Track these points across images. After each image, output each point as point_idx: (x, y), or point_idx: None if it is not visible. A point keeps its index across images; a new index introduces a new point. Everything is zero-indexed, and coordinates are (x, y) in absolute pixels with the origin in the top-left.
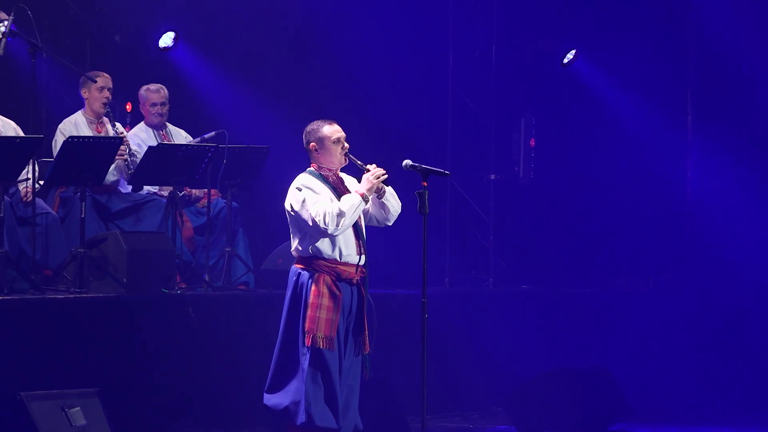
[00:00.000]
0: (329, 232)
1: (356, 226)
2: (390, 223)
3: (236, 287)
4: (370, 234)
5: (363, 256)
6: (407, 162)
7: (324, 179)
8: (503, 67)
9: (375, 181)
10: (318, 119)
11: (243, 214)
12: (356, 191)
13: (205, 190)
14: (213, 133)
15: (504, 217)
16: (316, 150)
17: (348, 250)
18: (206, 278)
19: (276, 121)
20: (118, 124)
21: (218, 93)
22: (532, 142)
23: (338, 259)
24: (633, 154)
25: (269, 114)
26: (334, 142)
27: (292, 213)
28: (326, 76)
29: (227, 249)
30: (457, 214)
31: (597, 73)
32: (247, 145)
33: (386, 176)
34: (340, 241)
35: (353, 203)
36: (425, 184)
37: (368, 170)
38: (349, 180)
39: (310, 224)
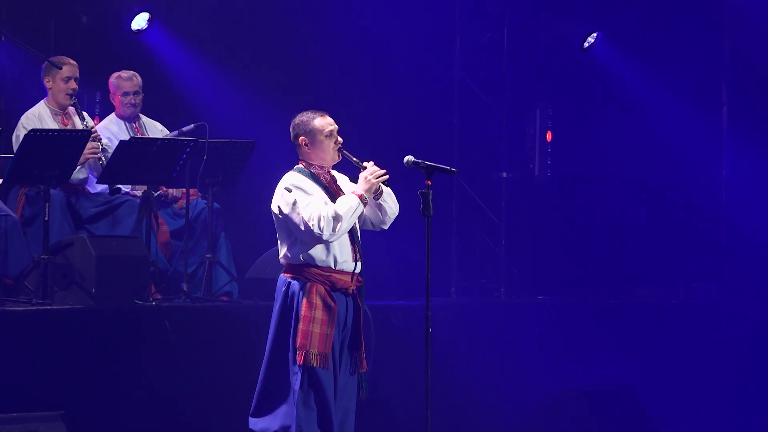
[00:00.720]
0: (324, 238)
1: (351, 230)
2: (386, 227)
3: (218, 298)
4: (366, 238)
5: (359, 263)
6: (409, 158)
7: (315, 178)
8: (516, 53)
9: (374, 180)
10: (308, 110)
11: (226, 217)
12: (353, 192)
13: (184, 189)
14: (192, 125)
15: (517, 219)
16: (305, 145)
17: (343, 257)
18: (184, 288)
19: (263, 112)
20: (86, 116)
21: (198, 81)
22: (549, 136)
23: (332, 267)
24: (661, 150)
25: (255, 105)
26: (326, 136)
27: (281, 216)
28: (319, 63)
29: (208, 255)
30: (465, 217)
31: (621, 59)
32: (231, 140)
33: (387, 176)
34: (335, 246)
35: (351, 206)
36: (429, 182)
37: (365, 168)
38: (342, 179)
39: (302, 229)
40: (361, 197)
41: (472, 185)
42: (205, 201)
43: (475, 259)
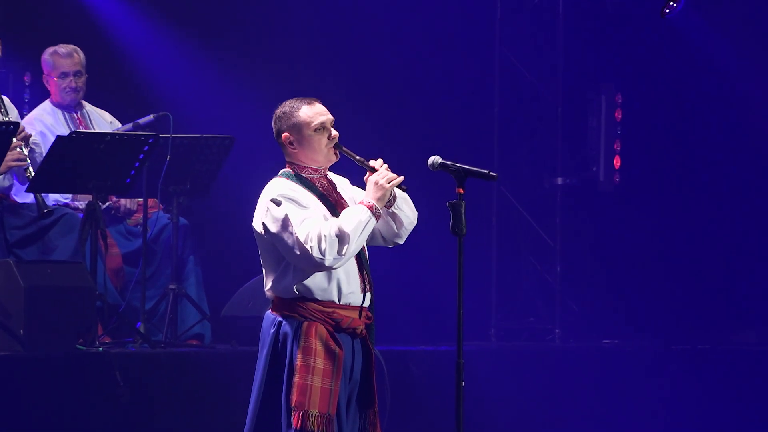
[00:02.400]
0: (327, 264)
1: (359, 252)
2: (401, 241)
3: (185, 342)
4: (378, 262)
5: (369, 294)
6: (435, 159)
7: (308, 185)
8: (573, 22)
9: (388, 186)
10: (294, 97)
11: (195, 236)
12: (362, 202)
13: (140, 200)
14: (151, 116)
15: (577, 239)
16: (291, 143)
17: (350, 287)
18: (141, 329)
19: (246, 100)
20: (7, 103)
21: (161, 60)
22: (617, 131)
23: (336, 301)
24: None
25: (236, 91)
26: (315, 130)
27: (267, 237)
28: (316, 36)
29: (172, 286)
30: (508, 235)
31: (713, 28)
32: (202, 135)
33: (401, 178)
34: (339, 274)
35: (360, 220)
36: (461, 191)
37: (373, 169)
38: (341, 183)
39: (297, 253)
40: (372, 208)
41: (518, 194)
42: (169, 215)
43: (521, 292)
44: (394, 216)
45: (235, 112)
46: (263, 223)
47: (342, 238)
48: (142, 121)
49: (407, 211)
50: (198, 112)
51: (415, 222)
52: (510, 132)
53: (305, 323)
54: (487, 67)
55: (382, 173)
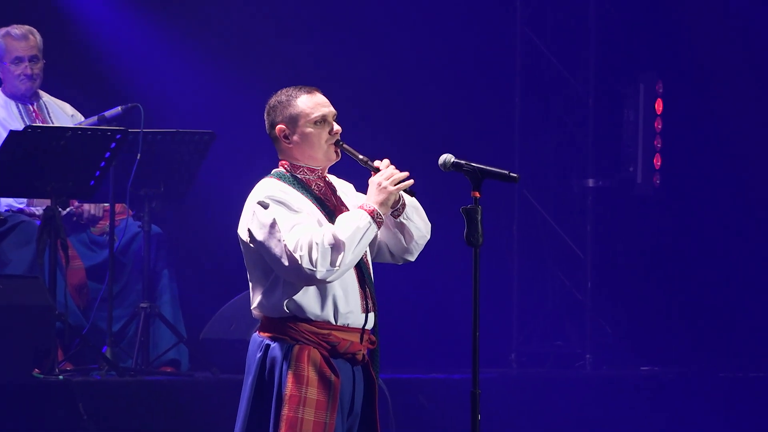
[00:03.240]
0: (319, 277)
1: (360, 265)
2: (412, 258)
3: (159, 369)
4: (382, 277)
5: (371, 315)
6: (447, 158)
7: (303, 186)
8: None
9: (393, 188)
10: (290, 86)
11: (170, 246)
12: (362, 207)
13: (106, 205)
14: (119, 108)
15: (611, 251)
16: (286, 137)
17: (348, 306)
18: (108, 355)
19: (229, 90)
20: None
21: (130, 43)
22: (658, 125)
23: (332, 322)
24: None
25: (218, 80)
26: (315, 123)
27: (253, 246)
28: (310, 19)
29: (143, 305)
30: (532, 246)
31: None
32: (178, 130)
33: (410, 181)
34: (335, 290)
35: (358, 227)
36: (477, 194)
37: (377, 170)
38: (344, 188)
39: (285, 264)
40: (372, 213)
41: (543, 198)
42: (140, 223)
43: (546, 311)
44: (402, 228)
45: (216, 104)
46: (249, 230)
47: (336, 246)
48: (108, 113)
49: (418, 222)
50: (173, 103)
51: (428, 236)
52: (533, 126)
53: (296, 347)
54: (506, 52)
55: (386, 173)
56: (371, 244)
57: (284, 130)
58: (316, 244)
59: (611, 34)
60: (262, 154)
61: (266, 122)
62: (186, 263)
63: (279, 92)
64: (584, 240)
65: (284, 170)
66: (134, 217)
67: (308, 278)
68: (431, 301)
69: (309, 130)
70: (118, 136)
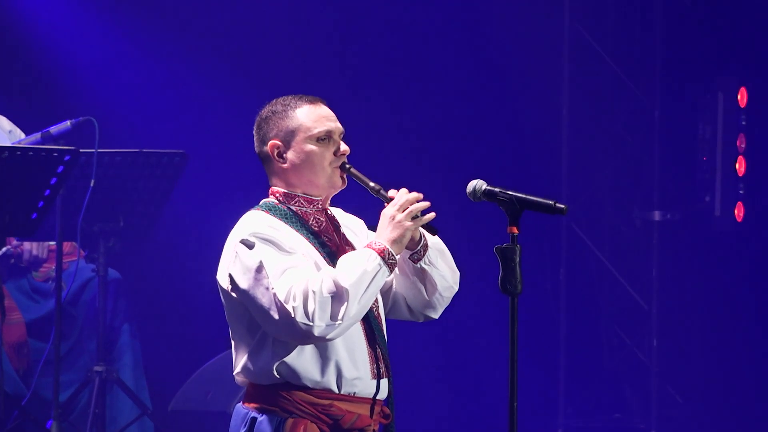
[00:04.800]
0: (316, 334)
1: (369, 320)
2: (436, 314)
3: None
4: (395, 332)
5: (384, 382)
6: (479, 185)
7: (298, 221)
8: None
9: (408, 223)
10: (286, 95)
11: (131, 295)
12: (370, 245)
13: (52, 243)
14: (68, 123)
15: (680, 300)
16: (280, 155)
17: (355, 370)
18: (53, 429)
19: (205, 103)
20: None
21: (81, 43)
22: (741, 143)
23: (335, 390)
24: None
25: (191, 90)
26: (318, 140)
27: (234, 295)
28: (306, 16)
29: (98, 368)
30: (583, 294)
31: None
32: (142, 150)
33: (431, 214)
34: (339, 351)
35: (365, 270)
36: (515, 230)
37: (390, 200)
38: (350, 223)
39: (275, 318)
40: (383, 253)
41: (596, 235)
42: (94, 266)
43: (601, 375)
44: (423, 275)
45: (189, 119)
46: (230, 275)
47: (338, 295)
48: (54, 129)
49: (443, 269)
50: (136, 117)
51: (456, 287)
52: (585, 145)
53: (290, 421)
54: (551, 52)
55: (400, 203)
56: (383, 294)
57: (278, 147)
58: (313, 292)
59: (681, 30)
60: (246, 181)
61: (255, 138)
62: (151, 316)
63: (274, 101)
64: (649, 286)
65: (275, 200)
66: (87, 258)
67: (303, 335)
68: (459, 363)
69: (309, 147)
70: (66, 158)
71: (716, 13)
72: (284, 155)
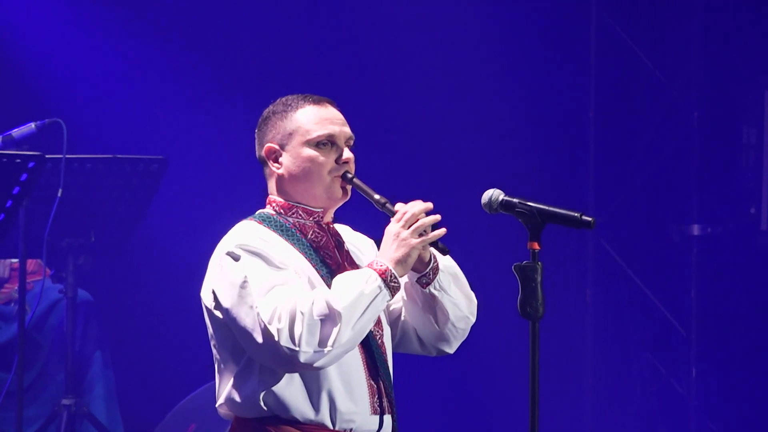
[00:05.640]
0: (302, 360)
1: (371, 348)
2: (451, 348)
3: None
4: (400, 360)
5: (387, 418)
6: (495, 195)
7: (293, 234)
8: None
9: (415, 241)
10: (289, 95)
11: (104, 319)
12: (371, 264)
13: (14, 261)
14: (32, 125)
15: (722, 323)
16: (276, 159)
17: (352, 404)
18: None
19: (188, 103)
20: None
21: (49, 37)
22: None
23: (329, 426)
24: None
25: (170, 88)
26: (318, 145)
27: (218, 314)
28: (299, 12)
29: (66, 402)
30: (612, 317)
31: None
32: (116, 156)
33: (442, 231)
34: (333, 382)
35: (362, 291)
36: (536, 246)
37: (395, 214)
38: (357, 241)
39: (258, 341)
40: (384, 275)
41: (628, 252)
42: (61, 286)
43: (632, 409)
44: (433, 302)
45: (169, 121)
46: (213, 292)
47: (329, 318)
48: (17, 133)
49: (456, 295)
50: (108, 119)
51: (472, 317)
52: (614, 151)
53: None
54: (577, 46)
55: (406, 218)
56: (392, 324)
57: (275, 151)
58: (302, 313)
59: (724, 20)
60: (235, 190)
61: (256, 140)
62: (126, 343)
63: (278, 100)
64: (687, 309)
65: (272, 211)
66: (53, 278)
67: (288, 362)
68: (472, 396)
69: (307, 152)
70: (30, 165)
71: (764, 1)
72: (280, 160)
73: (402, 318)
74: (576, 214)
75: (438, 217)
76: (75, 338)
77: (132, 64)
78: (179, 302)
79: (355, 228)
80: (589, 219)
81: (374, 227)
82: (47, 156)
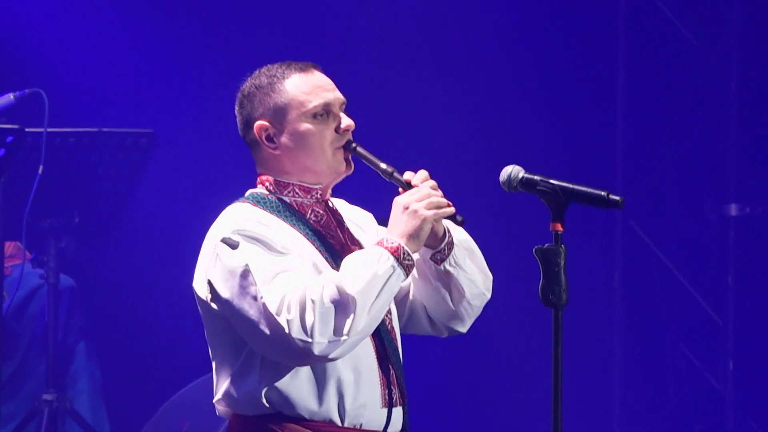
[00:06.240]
0: (317, 352)
1: (380, 335)
2: (464, 327)
3: None
4: (412, 347)
5: (398, 410)
6: (514, 171)
7: (294, 214)
8: None
9: (427, 212)
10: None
11: (89, 307)
12: (381, 242)
13: None
14: (10, 96)
15: (762, 314)
16: (270, 138)
17: (361, 397)
18: None
19: (178, 72)
20: None
21: (28, 6)
22: None
23: (337, 422)
24: None
25: (159, 56)
26: (315, 117)
27: (214, 306)
28: None
29: (47, 397)
30: (642, 304)
31: None
32: (101, 129)
33: (451, 208)
34: (341, 372)
35: (375, 273)
36: (559, 228)
37: (407, 185)
38: (356, 217)
39: (265, 333)
40: (397, 252)
41: (659, 234)
42: (42, 271)
43: (664, 404)
44: (448, 279)
45: (158, 91)
46: (209, 282)
47: (343, 304)
48: None
49: (472, 271)
50: (93, 90)
51: (488, 293)
52: (644, 125)
53: None
54: (605, 9)
55: (420, 191)
56: (398, 303)
57: (266, 129)
58: (312, 301)
59: None
60: (231, 166)
61: (238, 119)
62: (113, 333)
63: (257, 73)
64: (723, 297)
65: (265, 191)
66: (33, 262)
67: (301, 354)
68: (490, 390)
69: (305, 127)
70: (8, 139)
71: None
72: (275, 139)
73: (410, 297)
74: (602, 193)
75: (452, 209)
76: (57, 328)
77: (118, 28)
78: (171, 288)
79: (351, 201)
80: (617, 198)
81: (372, 201)
82: (27, 129)
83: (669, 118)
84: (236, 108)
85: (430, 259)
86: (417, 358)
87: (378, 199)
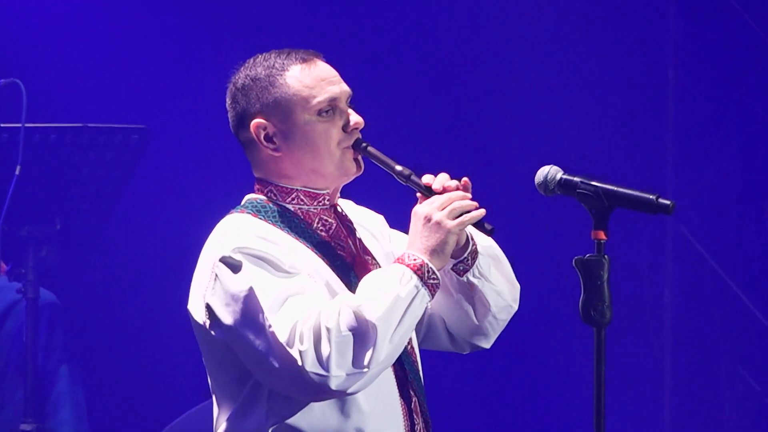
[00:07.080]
0: (334, 387)
1: (401, 358)
2: (488, 343)
3: None
4: (432, 366)
5: None
6: (551, 173)
7: (298, 225)
8: None
9: (452, 223)
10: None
11: (71, 325)
12: (401, 259)
13: None
14: None
15: None
16: (269, 138)
17: (381, 427)
18: None
19: (173, 63)
20: None
21: None
22: None
23: None
24: None
25: (155, 45)
26: (320, 113)
27: (213, 333)
28: None
29: (25, 426)
30: (695, 321)
31: None
32: (86, 125)
33: (482, 211)
34: (358, 401)
35: (398, 295)
36: (603, 236)
37: (428, 190)
38: (365, 221)
39: (275, 366)
40: (421, 271)
41: (714, 243)
42: (20, 285)
43: (719, 426)
44: (472, 291)
45: (151, 84)
46: (208, 306)
47: (363, 333)
48: None
49: (498, 282)
50: (78, 81)
51: (515, 305)
52: (698, 122)
53: None
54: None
55: (440, 200)
56: (420, 323)
57: (265, 128)
58: (328, 329)
59: None
60: (231, 166)
61: (231, 114)
62: (99, 354)
63: (251, 62)
64: None
65: (264, 198)
66: (10, 274)
67: (316, 389)
68: (526, 418)
69: (309, 125)
70: None
71: None
72: (275, 139)
73: (429, 310)
74: (651, 197)
75: (475, 203)
76: (36, 348)
77: (105, 10)
78: (164, 305)
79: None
80: (668, 202)
81: (383, 204)
82: (2, 125)
83: (725, 114)
84: (228, 102)
85: (452, 269)
86: (440, 379)
87: (387, 201)
